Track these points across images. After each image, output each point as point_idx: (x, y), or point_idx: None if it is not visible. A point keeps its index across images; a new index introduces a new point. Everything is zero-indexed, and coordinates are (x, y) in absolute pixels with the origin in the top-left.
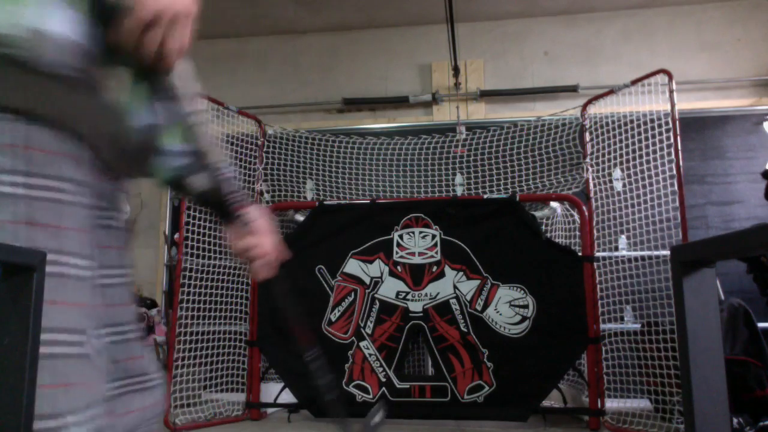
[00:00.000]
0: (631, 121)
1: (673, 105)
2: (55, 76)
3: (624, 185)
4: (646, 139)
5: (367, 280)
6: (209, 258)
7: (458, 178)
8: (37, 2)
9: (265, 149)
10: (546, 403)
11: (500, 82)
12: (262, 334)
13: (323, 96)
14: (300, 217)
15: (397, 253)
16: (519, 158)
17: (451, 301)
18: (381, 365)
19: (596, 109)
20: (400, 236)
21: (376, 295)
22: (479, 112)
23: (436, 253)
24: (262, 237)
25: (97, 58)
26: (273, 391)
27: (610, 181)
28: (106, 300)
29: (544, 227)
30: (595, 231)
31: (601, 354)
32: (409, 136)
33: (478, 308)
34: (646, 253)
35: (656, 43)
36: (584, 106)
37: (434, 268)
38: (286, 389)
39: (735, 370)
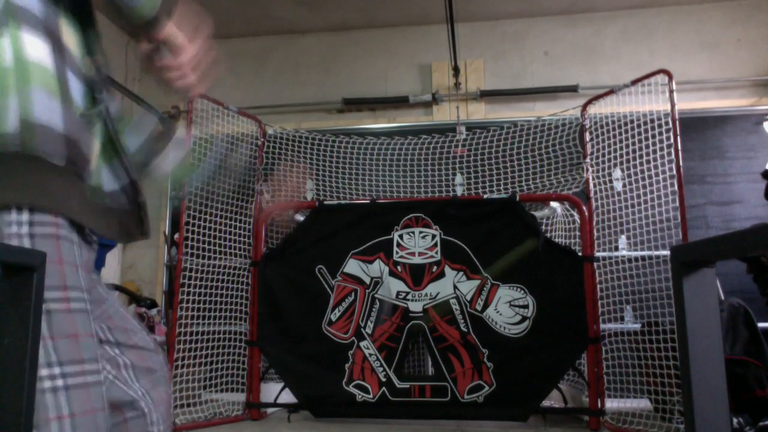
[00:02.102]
0: (631, 121)
1: (673, 105)
2: (47, 165)
3: (624, 185)
4: (646, 139)
5: (367, 280)
6: (209, 258)
7: (458, 178)
8: (18, 90)
9: (265, 149)
10: (546, 403)
11: (500, 82)
12: (262, 334)
13: (323, 96)
14: (300, 217)
15: (397, 253)
16: (519, 158)
17: (451, 301)
18: (381, 365)
19: (596, 109)
20: (400, 236)
21: (376, 295)
22: (479, 112)
23: (436, 253)
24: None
25: (79, 142)
26: (273, 391)
27: (610, 181)
28: None
29: (544, 227)
30: (595, 231)
31: (601, 354)
32: (409, 136)
33: (478, 308)
34: (646, 253)
35: (656, 43)
36: (584, 106)
37: (434, 268)
38: (286, 389)
39: (735, 370)
